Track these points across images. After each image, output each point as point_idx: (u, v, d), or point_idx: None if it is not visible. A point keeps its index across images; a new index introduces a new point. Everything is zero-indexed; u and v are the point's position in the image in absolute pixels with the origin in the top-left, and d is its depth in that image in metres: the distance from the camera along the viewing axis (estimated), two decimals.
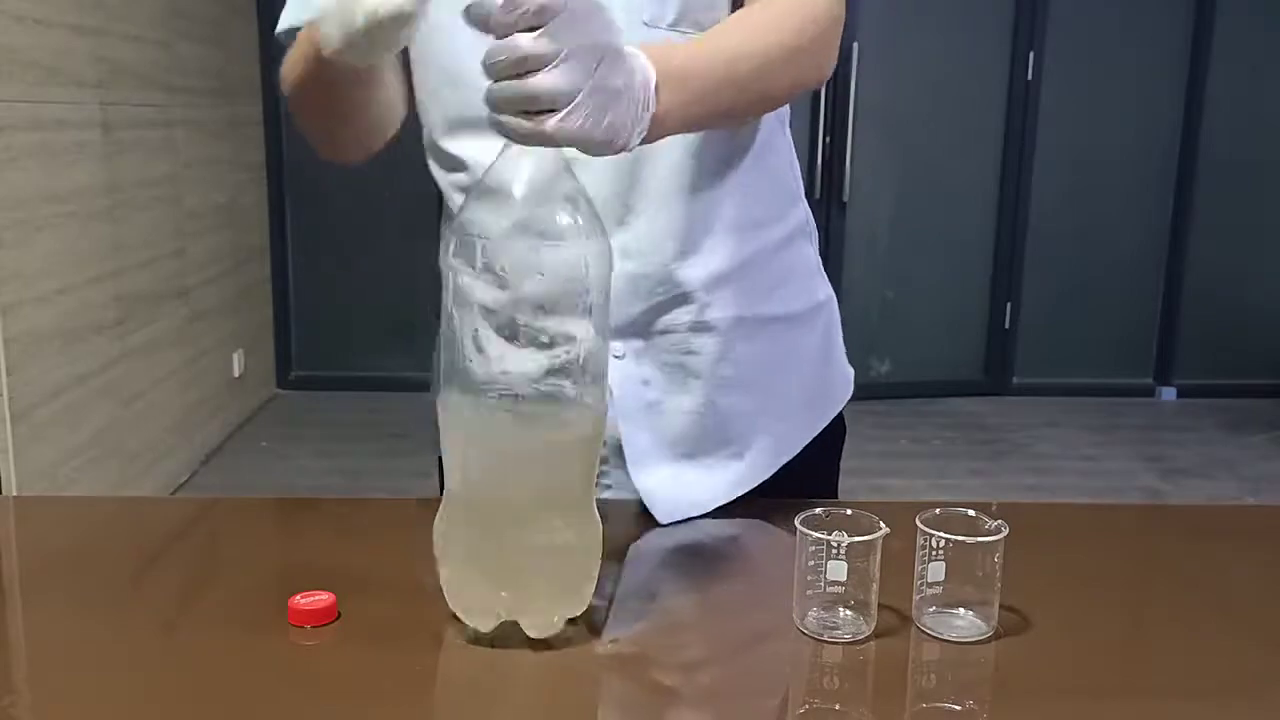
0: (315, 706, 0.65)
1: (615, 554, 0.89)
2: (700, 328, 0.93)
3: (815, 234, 1.05)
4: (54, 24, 2.70)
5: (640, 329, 0.92)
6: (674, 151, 0.88)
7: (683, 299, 0.92)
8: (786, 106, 0.96)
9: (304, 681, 0.67)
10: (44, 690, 0.66)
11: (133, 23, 3.17)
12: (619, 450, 0.93)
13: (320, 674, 0.68)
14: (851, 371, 1.09)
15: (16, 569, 0.87)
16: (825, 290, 1.05)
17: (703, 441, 0.95)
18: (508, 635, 0.69)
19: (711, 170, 0.91)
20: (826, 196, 4.53)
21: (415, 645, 0.71)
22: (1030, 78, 4.63)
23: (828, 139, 4.48)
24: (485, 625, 0.71)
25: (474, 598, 0.71)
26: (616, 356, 0.92)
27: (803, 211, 1.02)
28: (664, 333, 0.93)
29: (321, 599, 0.72)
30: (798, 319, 1.00)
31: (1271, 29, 4.60)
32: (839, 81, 4.43)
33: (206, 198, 3.80)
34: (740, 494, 0.97)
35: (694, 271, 0.92)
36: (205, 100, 3.77)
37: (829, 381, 1.05)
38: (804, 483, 1.00)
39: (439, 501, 0.73)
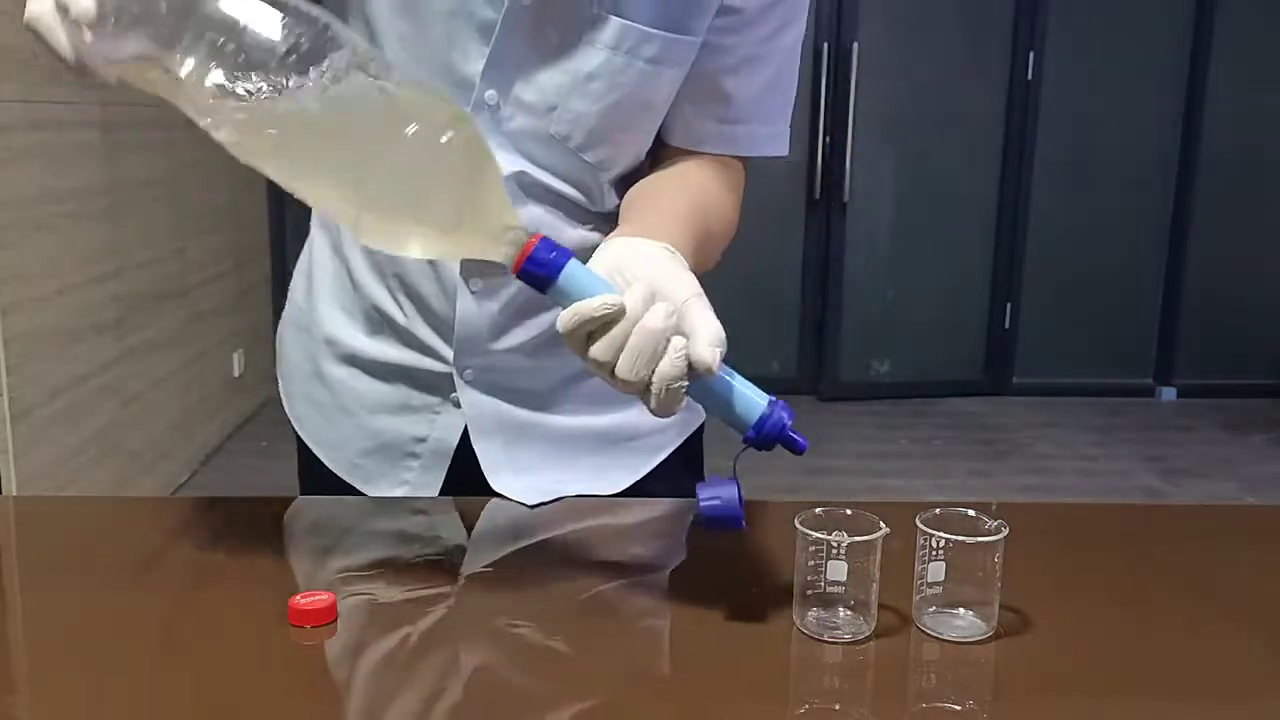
0: (315, 706, 0.65)
1: (607, 556, 0.88)
2: (538, 362, 0.95)
3: None
4: None
5: (486, 353, 0.94)
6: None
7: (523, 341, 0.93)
8: None
9: (304, 681, 0.67)
10: (44, 690, 0.66)
11: None
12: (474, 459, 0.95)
13: (320, 674, 0.68)
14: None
15: (16, 569, 0.87)
16: None
17: (555, 457, 0.97)
18: (509, 635, 0.69)
19: None
20: (827, 198, 4.53)
21: (415, 645, 0.71)
22: (1030, 78, 4.63)
23: (828, 140, 4.46)
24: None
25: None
26: (467, 381, 0.94)
27: None
28: (505, 362, 0.94)
29: (321, 599, 0.72)
30: None
31: (1271, 29, 4.60)
32: (839, 82, 4.43)
33: (206, 198, 3.80)
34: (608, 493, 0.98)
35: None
36: None
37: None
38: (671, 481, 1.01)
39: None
